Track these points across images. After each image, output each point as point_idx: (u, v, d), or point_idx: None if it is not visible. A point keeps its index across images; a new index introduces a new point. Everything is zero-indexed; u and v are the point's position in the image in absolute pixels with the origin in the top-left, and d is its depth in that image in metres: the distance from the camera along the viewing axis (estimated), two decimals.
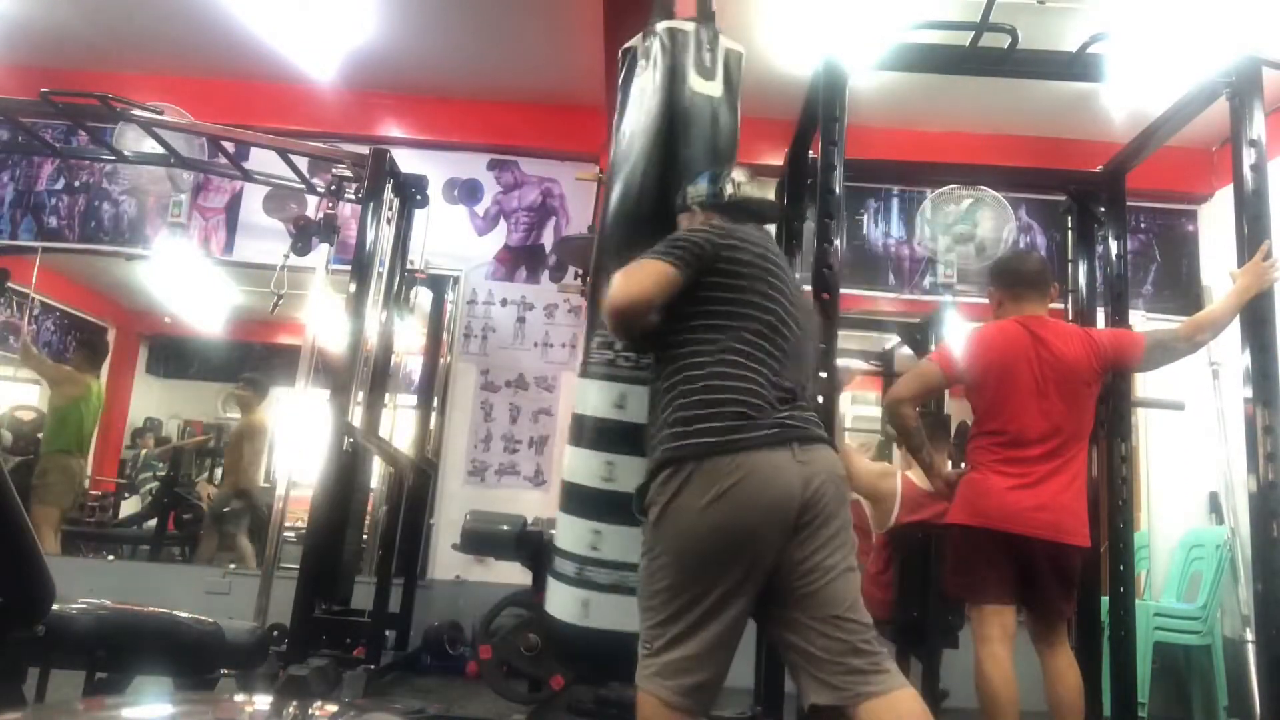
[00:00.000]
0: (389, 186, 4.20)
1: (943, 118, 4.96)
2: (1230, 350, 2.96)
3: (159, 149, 4.37)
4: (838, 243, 2.60)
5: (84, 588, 2.38)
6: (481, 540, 3.77)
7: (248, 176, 4.68)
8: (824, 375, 2.45)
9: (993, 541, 2.69)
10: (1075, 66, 2.85)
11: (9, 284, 5.60)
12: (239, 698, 2.06)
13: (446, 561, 4.74)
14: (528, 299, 5.19)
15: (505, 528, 3.51)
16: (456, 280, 5.16)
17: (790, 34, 4.11)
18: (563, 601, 2.46)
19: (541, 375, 5.07)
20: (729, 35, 2.66)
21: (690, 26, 2.54)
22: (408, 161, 4.47)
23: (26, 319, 6.33)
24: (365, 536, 4.70)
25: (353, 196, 4.18)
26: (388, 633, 4.26)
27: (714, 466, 1.77)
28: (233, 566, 5.20)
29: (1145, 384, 4.16)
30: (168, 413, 8.18)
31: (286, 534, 4.31)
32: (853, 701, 1.75)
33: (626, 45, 2.68)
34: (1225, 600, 4.38)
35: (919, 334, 4.56)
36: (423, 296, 4.92)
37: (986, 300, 3.14)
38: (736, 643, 1.84)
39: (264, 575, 3.94)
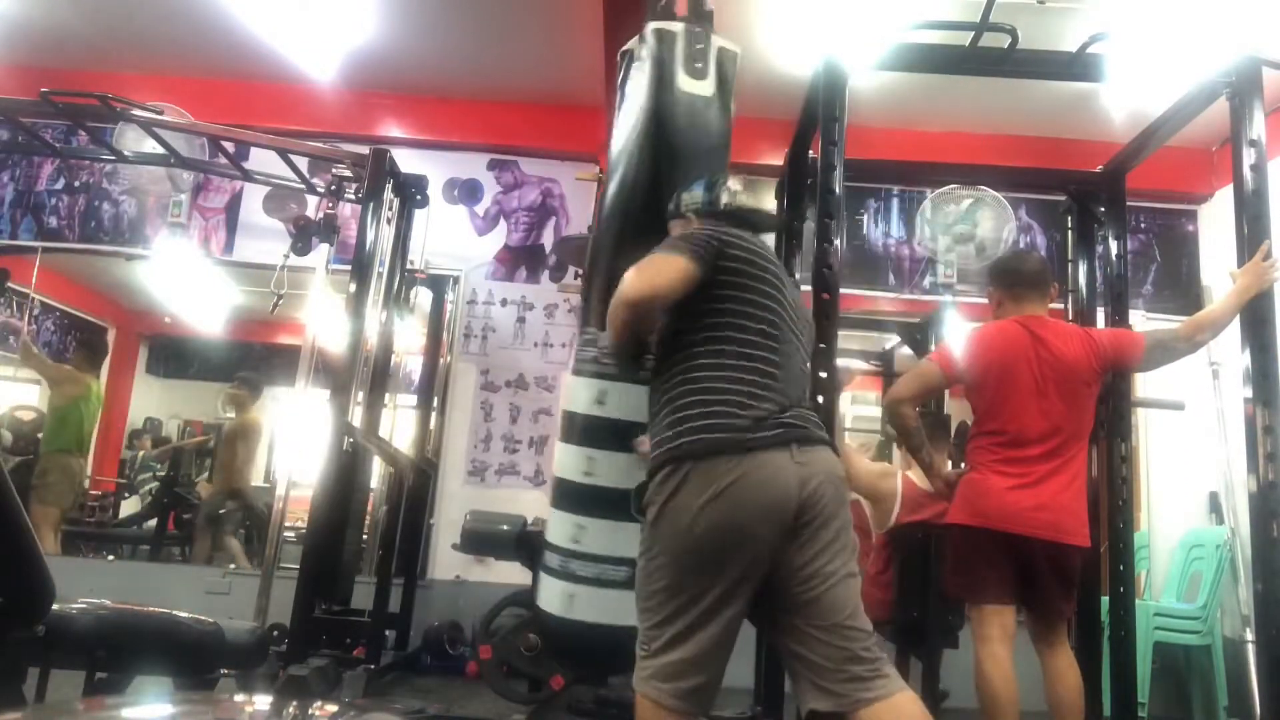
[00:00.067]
0: (389, 186, 4.20)
1: (943, 118, 4.96)
2: (1230, 350, 2.96)
3: (159, 149, 4.37)
4: (838, 243, 2.60)
5: (84, 588, 2.37)
6: (481, 540, 3.76)
7: (248, 176, 4.68)
8: (824, 375, 2.45)
9: (993, 541, 2.69)
10: (1075, 66, 2.85)
11: (9, 284, 5.60)
12: (239, 698, 2.06)
13: (446, 561, 4.74)
14: (528, 299, 5.19)
15: (505, 528, 3.51)
16: (456, 280, 5.16)
17: (790, 34, 4.11)
18: (550, 594, 2.51)
19: (541, 375, 5.07)
20: (727, 35, 2.66)
21: (679, 27, 2.55)
22: (408, 161, 4.47)
23: (26, 319, 6.32)
24: (365, 536, 4.70)
25: (353, 196, 4.18)
26: (388, 633, 4.26)
27: (712, 466, 1.77)
28: (233, 567, 5.20)
29: (1145, 384, 4.16)
30: (168, 413, 8.17)
31: (286, 534, 4.32)
32: (852, 707, 1.76)
33: (625, 47, 2.69)
34: (1225, 600, 4.38)
35: (919, 334, 4.56)
36: (423, 296, 4.92)
37: (986, 300, 3.14)
38: (733, 643, 1.84)
39: (264, 575, 3.94)
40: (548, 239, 5.27)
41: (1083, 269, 3.62)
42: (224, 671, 2.10)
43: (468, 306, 5.17)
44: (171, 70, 5.08)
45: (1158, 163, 3.51)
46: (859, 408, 6.99)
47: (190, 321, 7.11)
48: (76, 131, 4.87)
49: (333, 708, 1.76)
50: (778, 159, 3.76)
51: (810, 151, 3.15)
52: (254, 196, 5.10)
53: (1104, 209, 3.54)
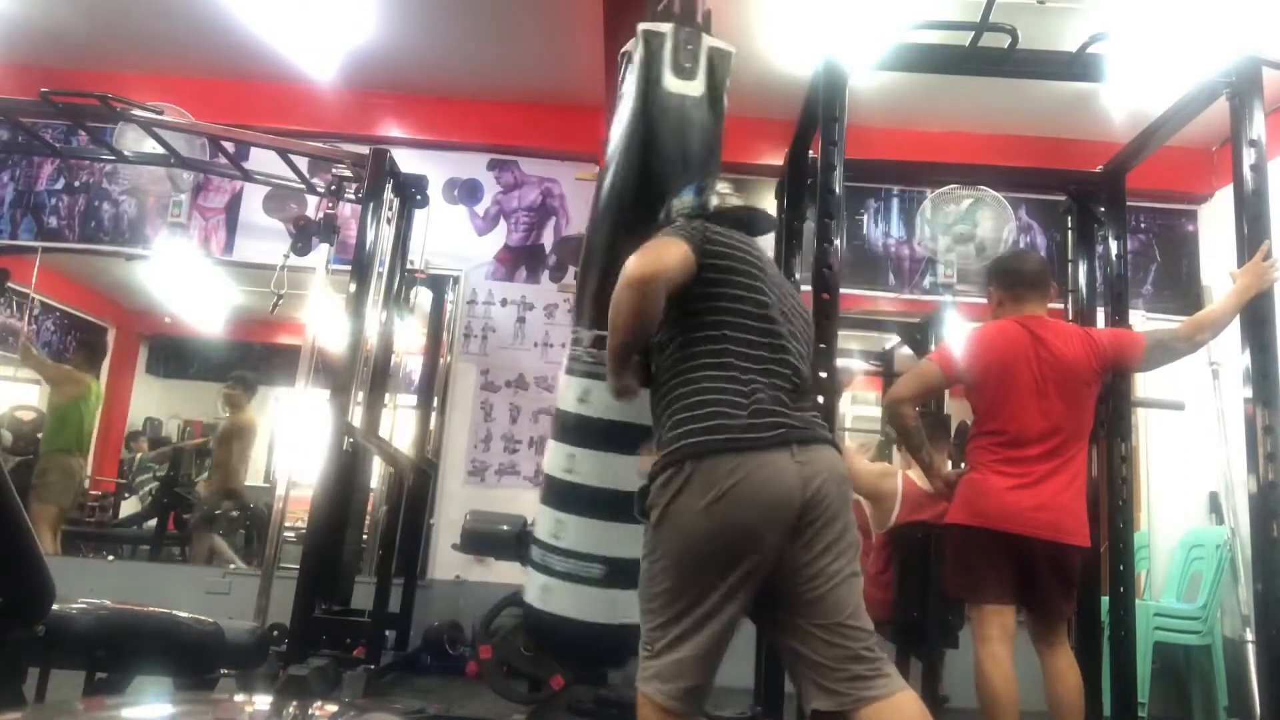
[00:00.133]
0: (389, 186, 4.20)
1: (943, 118, 4.96)
2: (1230, 350, 2.96)
3: (159, 149, 4.37)
4: (838, 243, 2.60)
5: (84, 588, 2.38)
6: (481, 540, 3.77)
7: (248, 176, 4.68)
8: (824, 375, 2.45)
9: (992, 541, 2.69)
10: (1075, 66, 2.85)
11: (9, 284, 5.60)
12: (239, 698, 2.06)
13: (446, 561, 4.74)
14: (528, 299, 5.19)
15: (505, 528, 3.51)
16: (456, 280, 5.16)
17: (790, 34, 4.12)
18: (530, 586, 2.60)
19: (541, 375, 5.07)
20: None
21: (667, 28, 2.56)
22: (408, 161, 4.47)
23: (26, 319, 6.32)
24: (365, 536, 4.70)
25: (353, 196, 4.18)
26: (388, 633, 4.26)
27: (713, 467, 1.77)
28: (233, 567, 5.20)
29: (1145, 384, 4.16)
30: (168, 413, 8.18)
31: (286, 534, 4.32)
32: (853, 706, 1.76)
33: (624, 49, 2.70)
34: (1225, 600, 4.38)
35: (919, 334, 4.56)
36: (423, 296, 4.92)
37: (986, 300, 3.14)
38: (728, 643, 1.85)
39: (264, 575, 3.94)
40: (548, 239, 5.27)
41: (1083, 269, 3.62)
42: (224, 671, 2.10)
43: (468, 306, 5.17)
44: (171, 70, 5.08)
45: (1158, 163, 3.51)
46: (859, 408, 6.99)
47: (190, 321, 7.11)
48: (76, 131, 4.87)
49: (333, 708, 1.77)
50: (778, 159, 3.76)
51: (810, 151, 3.15)
52: (254, 196, 5.10)
53: (1104, 209, 3.54)
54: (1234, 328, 2.75)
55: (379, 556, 4.53)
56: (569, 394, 2.57)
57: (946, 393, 3.94)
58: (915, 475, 3.43)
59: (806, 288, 2.66)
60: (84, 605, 1.88)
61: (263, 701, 1.66)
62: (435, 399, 5.05)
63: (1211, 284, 4.98)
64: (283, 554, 4.09)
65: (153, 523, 6.53)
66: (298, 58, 4.77)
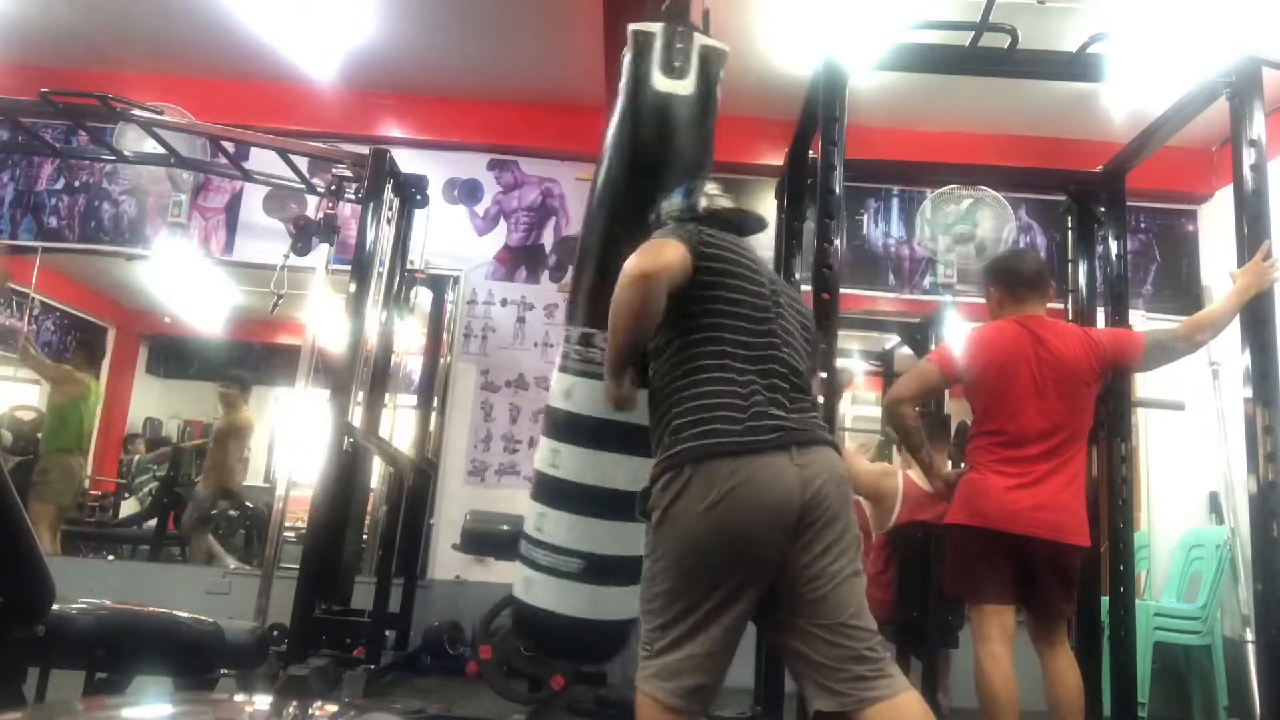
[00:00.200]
0: (389, 186, 4.20)
1: (943, 118, 4.96)
2: (1230, 350, 2.96)
3: (159, 149, 4.37)
4: (838, 243, 2.60)
5: (84, 588, 2.38)
6: (481, 540, 3.77)
7: (248, 176, 4.68)
8: (824, 376, 2.45)
9: (992, 541, 2.69)
10: (1075, 66, 2.85)
11: (9, 284, 5.60)
12: (239, 698, 2.06)
13: (446, 561, 4.73)
14: (528, 299, 5.19)
15: (505, 528, 3.51)
16: (456, 280, 5.16)
17: (790, 34, 4.11)
18: (516, 579, 2.64)
19: (541, 375, 5.06)
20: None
21: (656, 27, 2.57)
22: (408, 161, 4.47)
23: (26, 319, 6.32)
24: (365, 536, 4.69)
25: (353, 196, 4.18)
26: (388, 633, 4.26)
27: (713, 470, 1.77)
28: (233, 566, 5.20)
29: (1145, 384, 4.16)
30: (168, 413, 8.18)
31: (286, 534, 4.32)
32: (856, 707, 1.76)
33: (625, 49, 2.71)
34: (1225, 600, 4.38)
35: (919, 334, 4.56)
36: (423, 296, 4.92)
37: (985, 300, 3.13)
38: (735, 645, 1.84)
39: (264, 575, 3.94)
40: (548, 239, 5.27)
41: (1083, 269, 3.62)
42: (224, 671, 2.10)
43: (468, 306, 5.17)
44: (171, 70, 5.08)
45: (1158, 163, 3.51)
46: (859, 408, 6.99)
47: (190, 321, 7.11)
48: (76, 131, 4.87)
49: (333, 708, 1.76)
50: (778, 159, 3.77)
51: (810, 151, 3.15)
52: (254, 196, 5.10)
53: (1104, 209, 3.54)
54: (1234, 328, 2.76)
55: (379, 556, 4.53)
56: (556, 389, 2.63)
57: (946, 393, 3.94)
58: (915, 475, 3.43)
59: (806, 288, 2.66)
60: (84, 605, 1.88)
61: (263, 701, 1.65)
62: (435, 399, 5.05)
63: (1211, 284, 4.98)
64: (283, 554, 4.09)
65: (153, 523, 6.53)
66: (298, 58, 4.77)
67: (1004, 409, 2.79)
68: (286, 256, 4.10)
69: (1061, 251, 4.01)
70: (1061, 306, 3.61)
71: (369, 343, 4.15)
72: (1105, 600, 3.27)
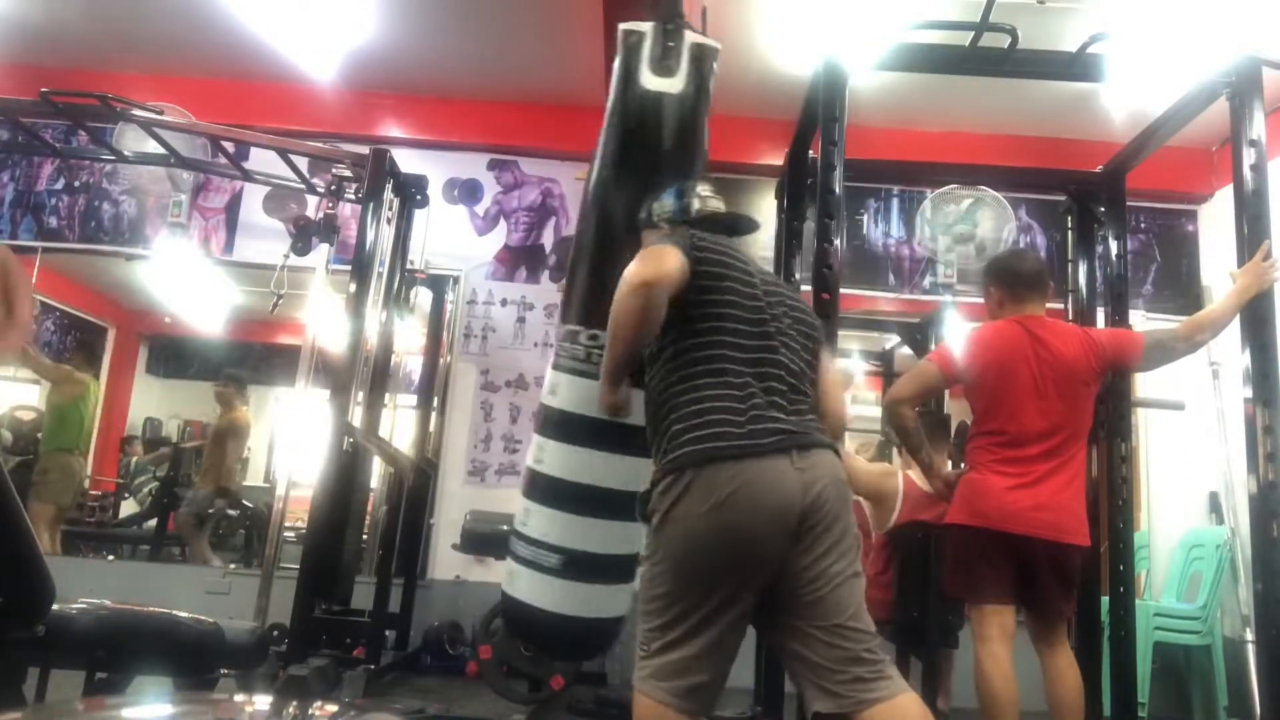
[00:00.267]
0: (389, 186, 4.20)
1: (943, 118, 4.96)
2: (1230, 350, 2.96)
3: (159, 149, 4.37)
4: (838, 243, 2.60)
5: (84, 588, 2.38)
6: (481, 540, 3.77)
7: (248, 176, 4.68)
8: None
9: (992, 541, 2.69)
10: (1075, 66, 2.85)
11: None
12: (239, 698, 2.06)
13: (446, 561, 4.73)
14: (528, 299, 5.18)
15: (505, 528, 3.49)
16: (456, 280, 5.16)
17: (790, 34, 4.11)
18: (504, 570, 2.70)
19: (541, 375, 4.97)
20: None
21: (646, 26, 2.57)
22: (408, 161, 4.47)
23: None
24: (365, 536, 4.69)
25: (353, 196, 4.18)
26: (388, 633, 4.26)
27: (713, 474, 1.77)
28: (233, 566, 5.20)
29: (1145, 384, 4.16)
30: (168, 413, 8.17)
31: (286, 534, 4.31)
32: (855, 708, 1.76)
33: None
34: (1225, 600, 4.38)
35: (919, 334, 4.56)
36: (423, 296, 4.92)
37: (985, 300, 3.12)
38: (737, 645, 1.84)
39: (264, 575, 3.94)
40: (548, 239, 5.27)
41: (1083, 269, 3.61)
42: (224, 671, 2.10)
43: (468, 306, 5.17)
44: (171, 70, 5.08)
45: (1158, 163, 3.51)
46: (859, 408, 6.98)
47: (190, 321, 7.11)
48: (76, 131, 4.87)
49: (333, 708, 1.76)
50: (778, 159, 3.76)
51: (810, 151, 3.15)
52: (254, 196, 5.09)
53: (1104, 209, 3.54)
54: (1234, 328, 2.75)
55: (379, 556, 4.53)
56: (546, 386, 2.68)
57: (946, 393, 3.94)
58: (915, 475, 3.43)
59: (806, 288, 2.66)
60: (84, 605, 1.88)
61: (263, 701, 1.65)
62: (435, 399, 5.05)
63: (1211, 284, 4.98)
64: (283, 554, 4.08)
65: (152, 523, 6.53)
66: (298, 58, 4.77)
67: (1004, 409, 2.79)
68: (286, 256, 4.10)
69: (1061, 251, 4.00)
70: (1061, 306, 3.61)
71: (369, 343, 4.15)
72: (1105, 600, 3.27)
